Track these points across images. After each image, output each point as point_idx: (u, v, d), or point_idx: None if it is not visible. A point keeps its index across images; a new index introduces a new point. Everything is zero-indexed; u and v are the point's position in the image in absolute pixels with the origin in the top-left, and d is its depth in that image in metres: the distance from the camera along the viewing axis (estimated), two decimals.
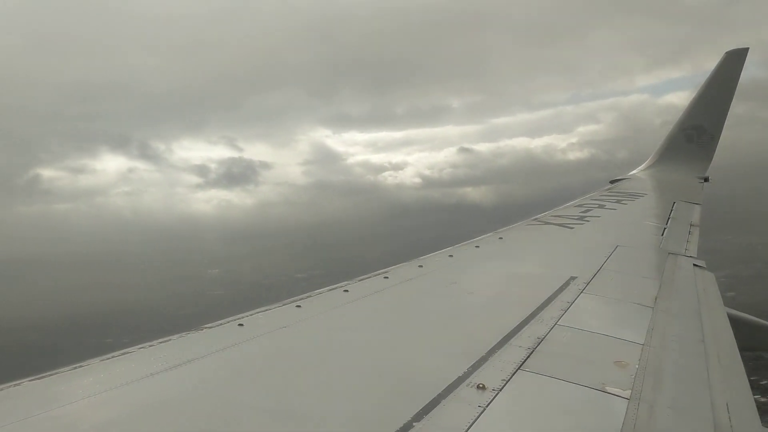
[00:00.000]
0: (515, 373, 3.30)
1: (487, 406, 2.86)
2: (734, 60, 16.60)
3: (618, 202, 11.80)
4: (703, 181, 15.22)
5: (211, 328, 4.00)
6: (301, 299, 4.67)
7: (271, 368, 3.42)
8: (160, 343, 3.68)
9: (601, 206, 11.04)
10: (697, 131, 16.51)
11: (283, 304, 4.57)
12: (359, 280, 5.37)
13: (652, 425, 2.89)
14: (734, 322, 5.83)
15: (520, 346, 3.70)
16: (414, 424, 2.60)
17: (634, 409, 3.02)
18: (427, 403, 2.81)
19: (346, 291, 4.96)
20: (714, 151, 16.35)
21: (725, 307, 5.74)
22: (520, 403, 3.01)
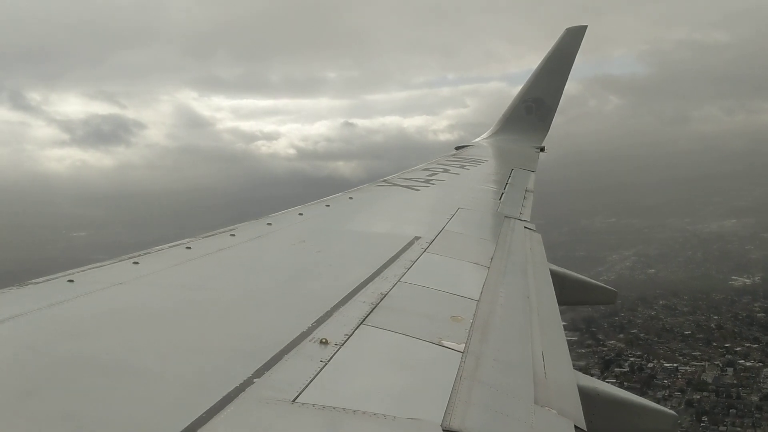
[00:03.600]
0: (358, 327, 3.38)
1: (329, 360, 2.90)
2: (573, 37, 17.71)
3: (462, 167, 12.35)
4: (539, 150, 16.27)
5: (37, 283, 3.72)
6: (139, 255, 4.45)
7: (105, 325, 3.23)
8: None
9: (446, 170, 11.50)
10: (536, 103, 17.52)
11: (120, 260, 4.33)
12: (203, 237, 5.20)
13: (478, 376, 3.09)
14: (560, 278, 6.37)
15: (363, 302, 3.79)
16: (254, 380, 2.58)
17: (464, 362, 3.21)
18: (269, 359, 2.80)
19: (189, 248, 4.78)
20: (551, 122, 17.46)
21: (549, 263, 6.26)
22: (362, 356, 3.09)
